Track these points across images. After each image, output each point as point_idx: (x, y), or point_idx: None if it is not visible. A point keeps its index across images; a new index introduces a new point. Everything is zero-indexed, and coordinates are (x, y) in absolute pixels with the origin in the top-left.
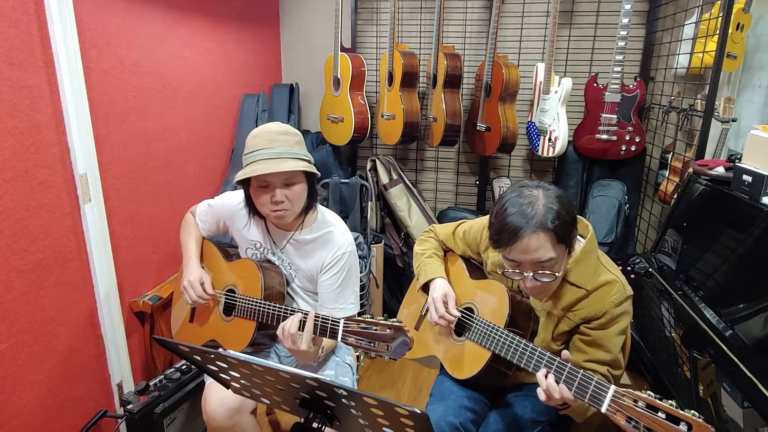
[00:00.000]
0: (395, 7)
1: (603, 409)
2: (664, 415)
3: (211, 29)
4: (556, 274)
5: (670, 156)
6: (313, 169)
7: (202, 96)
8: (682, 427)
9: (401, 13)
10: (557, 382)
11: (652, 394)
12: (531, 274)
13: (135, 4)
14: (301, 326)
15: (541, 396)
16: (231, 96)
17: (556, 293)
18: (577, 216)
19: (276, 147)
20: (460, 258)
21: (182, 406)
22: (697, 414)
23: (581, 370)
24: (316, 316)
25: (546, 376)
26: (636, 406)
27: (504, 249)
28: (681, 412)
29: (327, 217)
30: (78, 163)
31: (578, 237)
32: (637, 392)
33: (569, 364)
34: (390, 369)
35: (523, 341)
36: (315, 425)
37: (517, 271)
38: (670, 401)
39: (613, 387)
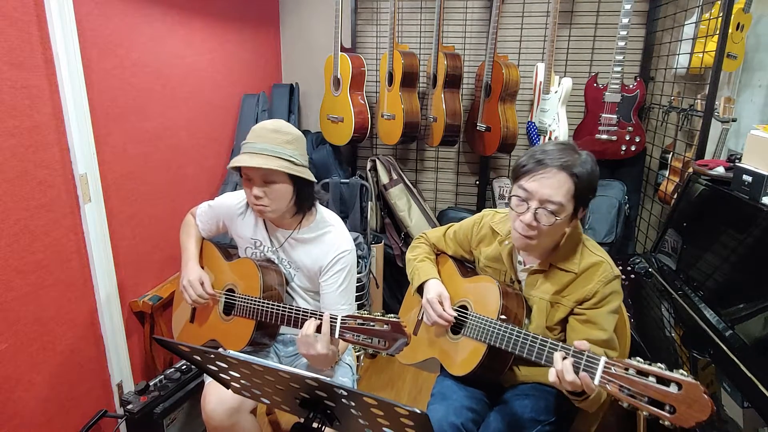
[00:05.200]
0: (395, 7)
1: (596, 381)
2: (654, 379)
3: (211, 29)
4: (557, 219)
5: (670, 156)
6: (296, 171)
7: (202, 96)
8: (672, 388)
9: (401, 13)
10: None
11: (641, 360)
12: (535, 207)
13: (135, 5)
14: (317, 329)
15: (551, 377)
16: (231, 96)
17: (546, 279)
18: None
19: (259, 143)
20: (451, 259)
21: (182, 406)
22: (685, 373)
23: (573, 347)
24: (313, 313)
25: (563, 359)
26: (627, 374)
27: (523, 177)
28: (670, 373)
29: (326, 218)
30: (78, 163)
31: None
32: (627, 360)
33: (560, 344)
34: (390, 369)
35: (516, 329)
36: (315, 425)
37: (523, 201)
38: (659, 364)
39: (603, 358)
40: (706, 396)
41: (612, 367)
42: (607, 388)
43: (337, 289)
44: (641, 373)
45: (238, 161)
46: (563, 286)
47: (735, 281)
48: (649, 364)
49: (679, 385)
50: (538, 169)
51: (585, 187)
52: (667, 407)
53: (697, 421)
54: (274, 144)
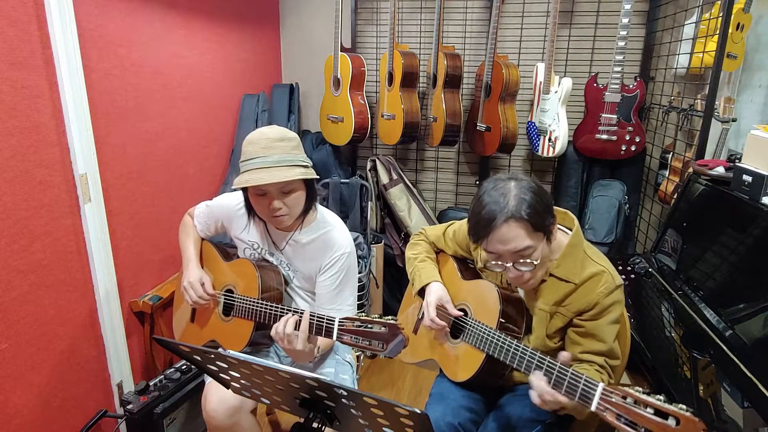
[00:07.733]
0: (395, 7)
1: (593, 407)
2: (652, 411)
3: (211, 29)
4: (535, 262)
5: (670, 156)
6: (311, 175)
7: (202, 96)
8: (671, 421)
9: (401, 13)
10: (548, 383)
11: (640, 389)
12: (511, 264)
13: (135, 5)
14: (297, 326)
15: (535, 399)
16: (231, 96)
17: (545, 289)
18: (562, 209)
19: (271, 155)
20: (451, 258)
21: (182, 406)
22: (685, 407)
23: (571, 370)
24: (311, 315)
25: (539, 380)
26: (625, 403)
27: (482, 241)
28: (669, 406)
29: (326, 218)
30: (78, 163)
31: (564, 230)
32: (625, 388)
33: (559, 364)
34: (390, 369)
35: (515, 342)
36: (315, 425)
37: (498, 263)
38: (658, 396)
39: (601, 385)
40: None
41: (610, 395)
42: (604, 415)
43: (333, 290)
44: (639, 403)
45: (257, 180)
46: (563, 296)
47: (735, 281)
48: (648, 395)
49: (677, 420)
50: (488, 232)
51: (538, 213)
52: None
53: None
54: (285, 152)
